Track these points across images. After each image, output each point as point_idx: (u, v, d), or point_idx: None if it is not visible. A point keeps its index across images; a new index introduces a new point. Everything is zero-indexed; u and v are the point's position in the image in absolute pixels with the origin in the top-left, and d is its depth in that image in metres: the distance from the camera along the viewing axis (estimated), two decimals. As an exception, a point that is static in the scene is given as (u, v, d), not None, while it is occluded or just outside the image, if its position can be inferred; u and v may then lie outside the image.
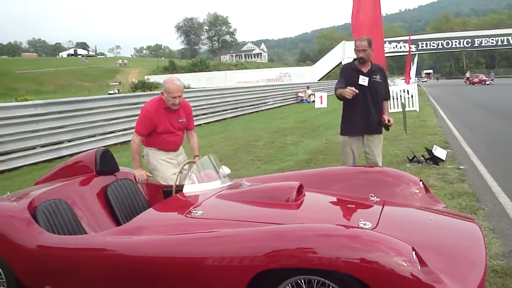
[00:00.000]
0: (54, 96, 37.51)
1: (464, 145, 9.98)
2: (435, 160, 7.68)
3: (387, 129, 5.20)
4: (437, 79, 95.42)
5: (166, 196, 4.26)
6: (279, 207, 2.96)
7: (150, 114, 4.49)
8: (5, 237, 3.20)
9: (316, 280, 2.30)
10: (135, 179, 4.34)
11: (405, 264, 2.14)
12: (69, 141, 11.29)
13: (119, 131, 12.94)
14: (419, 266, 2.15)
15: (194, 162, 3.78)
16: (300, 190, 3.10)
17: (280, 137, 12.71)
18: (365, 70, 5.04)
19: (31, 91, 54.98)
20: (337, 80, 5.30)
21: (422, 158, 7.82)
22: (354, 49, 5.07)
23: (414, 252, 2.20)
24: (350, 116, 5.13)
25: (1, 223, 3.28)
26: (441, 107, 21.64)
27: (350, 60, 5.36)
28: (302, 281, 2.33)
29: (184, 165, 3.93)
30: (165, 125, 4.54)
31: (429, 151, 7.81)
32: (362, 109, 5.03)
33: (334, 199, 3.27)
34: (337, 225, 2.49)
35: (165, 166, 4.60)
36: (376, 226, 2.63)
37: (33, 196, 3.59)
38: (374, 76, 5.05)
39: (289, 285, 2.36)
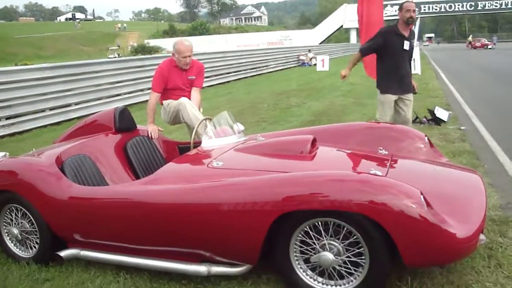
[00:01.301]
0: (54, 61, 37.33)
1: (465, 107, 10.16)
2: (437, 121, 7.87)
3: (415, 93, 5.65)
4: (438, 43, 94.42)
5: (181, 152, 4.49)
6: (294, 159, 3.17)
7: (163, 71, 4.88)
8: (36, 189, 3.39)
9: (332, 222, 2.53)
10: (148, 135, 4.55)
11: (414, 206, 2.35)
12: (76, 104, 11.45)
13: (124, 93, 13.08)
14: (426, 208, 2.37)
15: (210, 119, 3.97)
16: (313, 143, 3.31)
17: (284, 99, 12.85)
18: (407, 34, 5.27)
19: (31, 56, 54.69)
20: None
21: (425, 119, 8.02)
22: (401, 9, 5.23)
23: (422, 196, 2.42)
24: (391, 77, 5.39)
25: (32, 177, 3.46)
26: (443, 71, 21.67)
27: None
28: (319, 223, 2.56)
29: (201, 121, 4.11)
30: (175, 82, 4.89)
31: (431, 112, 8.00)
32: (402, 71, 5.36)
33: (346, 151, 3.47)
34: (349, 172, 2.71)
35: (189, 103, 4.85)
36: (386, 175, 2.85)
37: (59, 152, 3.79)
38: (412, 40, 5.36)
39: (307, 227, 2.59)
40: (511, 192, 4.40)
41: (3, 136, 9.27)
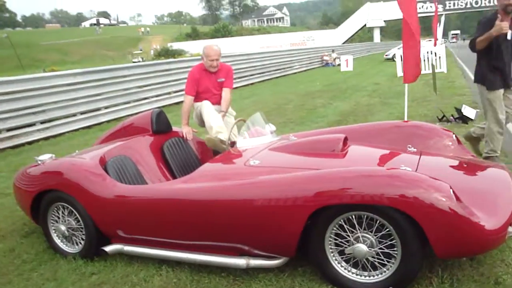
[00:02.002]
0: (80, 66, 38.20)
1: (493, 104, 10.07)
2: (464, 119, 7.88)
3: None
4: (464, 39, 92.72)
5: (215, 152, 4.68)
6: (327, 157, 3.32)
7: (193, 75, 5.13)
8: (83, 188, 3.61)
9: (365, 216, 2.67)
10: (183, 136, 4.76)
11: (444, 199, 2.47)
12: (105, 107, 11.79)
13: (152, 97, 13.40)
14: (455, 201, 2.49)
15: (244, 120, 4.14)
16: (345, 141, 3.45)
17: (309, 100, 12.96)
18: (508, 23, 4.85)
19: (57, 61, 55.92)
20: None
21: (452, 117, 8.03)
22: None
23: (451, 190, 2.53)
24: (496, 70, 4.98)
25: (78, 176, 3.68)
26: (469, 69, 21.41)
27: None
28: (353, 217, 2.70)
29: (235, 123, 4.29)
30: (205, 84, 5.11)
31: (459, 111, 8.01)
32: (506, 63, 4.94)
33: (376, 149, 3.60)
34: (379, 167, 2.84)
35: (209, 106, 4.97)
36: (415, 170, 2.97)
37: (101, 153, 4.02)
38: None
39: (341, 220, 2.74)
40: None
41: (38, 140, 9.64)
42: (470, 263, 3.01)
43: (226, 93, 5.23)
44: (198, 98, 5.18)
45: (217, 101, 5.17)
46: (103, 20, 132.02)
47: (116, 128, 4.86)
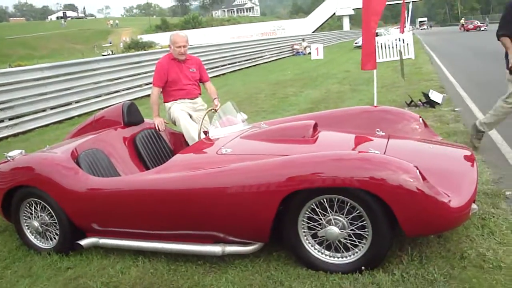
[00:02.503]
0: (48, 61, 37.37)
1: (459, 89, 10.36)
2: (432, 103, 8.08)
3: None
4: (430, 26, 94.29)
5: (187, 143, 4.70)
6: (298, 143, 3.38)
7: (162, 65, 5.02)
8: (56, 183, 3.57)
9: (336, 199, 2.75)
10: (155, 127, 4.74)
11: (411, 180, 2.56)
12: (76, 102, 11.63)
13: (123, 90, 13.25)
14: (422, 182, 2.58)
15: (215, 110, 4.17)
16: (315, 127, 3.52)
17: (281, 88, 13.04)
18: None
19: (24, 56, 54.58)
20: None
21: (419, 102, 8.22)
22: None
23: (418, 171, 2.63)
24: None
25: (51, 171, 3.64)
26: (436, 55, 21.87)
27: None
28: (324, 200, 2.78)
29: (207, 112, 4.31)
30: (176, 73, 5.00)
31: (426, 95, 8.20)
32: None
33: (345, 134, 3.68)
34: (349, 151, 2.92)
35: (184, 116, 4.96)
36: (384, 153, 3.06)
37: (73, 147, 3.99)
38: None
39: (313, 204, 2.81)
40: (503, 168, 4.63)
41: (7, 137, 9.46)
42: (437, 240, 3.12)
43: (210, 87, 5.29)
44: (168, 93, 5.09)
45: (192, 90, 5.12)
46: (70, 13, 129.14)
47: (87, 122, 4.81)
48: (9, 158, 3.97)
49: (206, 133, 4.02)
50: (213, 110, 4.25)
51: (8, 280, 3.42)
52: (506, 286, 2.58)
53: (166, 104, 5.13)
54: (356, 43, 35.03)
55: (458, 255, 2.92)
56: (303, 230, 2.90)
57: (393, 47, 18.69)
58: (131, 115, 4.59)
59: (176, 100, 5.04)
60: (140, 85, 13.99)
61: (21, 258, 3.77)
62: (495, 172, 4.47)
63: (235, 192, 2.89)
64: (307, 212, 2.84)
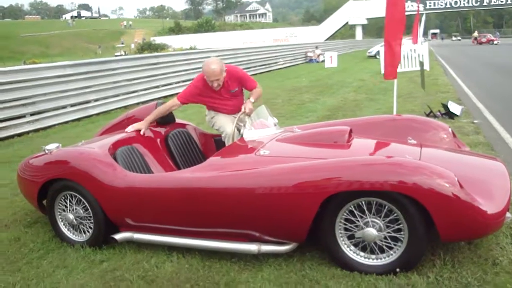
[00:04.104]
0: (61, 59, 37.70)
1: (476, 101, 10.43)
2: (451, 115, 8.14)
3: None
4: (442, 38, 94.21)
5: (217, 144, 4.79)
6: (334, 147, 3.48)
7: (196, 89, 4.57)
8: (94, 178, 3.67)
9: (374, 202, 2.84)
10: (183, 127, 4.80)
11: (447, 185, 2.65)
12: (95, 100, 11.76)
13: (140, 90, 13.39)
14: (459, 188, 2.66)
15: (248, 114, 4.26)
16: (350, 133, 3.61)
17: (297, 95, 13.14)
18: None
19: (38, 54, 55.08)
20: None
21: (439, 112, 8.28)
22: None
23: (455, 177, 2.71)
24: None
25: (89, 165, 3.74)
26: (450, 67, 21.89)
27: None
28: (362, 203, 2.87)
29: (240, 115, 4.40)
30: (212, 100, 4.61)
31: (445, 106, 8.27)
32: None
33: (379, 141, 3.76)
34: (385, 157, 3.01)
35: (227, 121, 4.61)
36: (419, 160, 3.15)
37: (109, 143, 4.10)
38: None
39: (351, 206, 2.90)
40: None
41: (28, 132, 9.59)
42: (468, 246, 3.20)
43: (256, 90, 4.73)
44: (212, 105, 4.70)
45: (236, 106, 4.63)
46: (84, 13, 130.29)
47: (119, 119, 4.92)
48: (46, 151, 4.07)
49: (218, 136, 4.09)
50: (245, 114, 4.32)
51: (45, 270, 3.50)
52: (539, 292, 2.65)
53: (208, 112, 4.79)
54: (369, 52, 35.08)
55: (490, 261, 3.00)
56: (339, 231, 2.98)
57: (408, 58, 18.72)
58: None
59: (218, 112, 4.70)
60: (157, 86, 14.14)
61: (55, 250, 3.86)
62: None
63: (276, 192, 2.97)
64: (345, 214, 2.93)
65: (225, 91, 4.57)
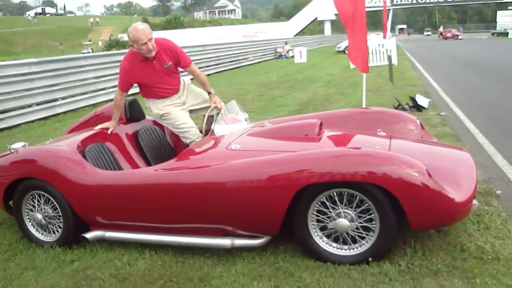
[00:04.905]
0: (26, 57, 36.73)
1: (443, 94, 10.70)
2: (418, 107, 8.32)
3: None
4: (409, 33, 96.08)
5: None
6: (305, 140, 3.49)
7: (126, 72, 4.31)
8: (63, 176, 3.59)
9: (345, 192, 2.87)
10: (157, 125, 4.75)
11: (416, 174, 2.71)
12: (62, 98, 11.47)
13: (109, 87, 13.14)
14: (428, 176, 2.72)
15: (219, 109, 4.24)
16: (320, 126, 3.64)
17: (267, 90, 13.16)
18: None
19: (1, 51, 53.47)
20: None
21: (407, 105, 8.45)
22: None
23: (424, 166, 2.77)
24: None
25: (57, 164, 3.65)
26: (417, 61, 22.34)
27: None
28: (334, 194, 2.90)
29: (210, 110, 4.37)
30: (148, 77, 4.29)
31: (413, 99, 8.45)
32: None
33: (349, 134, 3.81)
34: (357, 148, 3.06)
35: (172, 109, 4.43)
36: (389, 150, 3.20)
37: (78, 141, 4.01)
38: None
39: (323, 197, 2.92)
40: (491, 168, 4.87)
41: (-8, 132, 9.32)
42: (437, 234, 3.28)
43: (197, 71, 4.52)
44: (148, 89, 4.42)
45: (174, 86, 4.46)
46: (49, 10, 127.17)
47: (88, 117, 4.83)
48: (12, 151, 3.96)
49: (207, 131, 4.10)
50: (216, 108, 4.29)
51: (12, 272, 3.41)
52: (506, 275, 2.74)
53: (145, 100, 4.55)
54: (338, 47, 35.44)
55: (459, 247, 3.08)
56: (312, 223, 3.00)
57: (376, 53, 19.00)
58: (133, 111, 4.63)
59: (156, 99, 4.45)
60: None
61: (23, 251, 3.76)
62: (485, 173, 4.68)
63: (249, 186, 2.98)
64: (317, 205, 2.95)
65: (158, 64, 4.25)
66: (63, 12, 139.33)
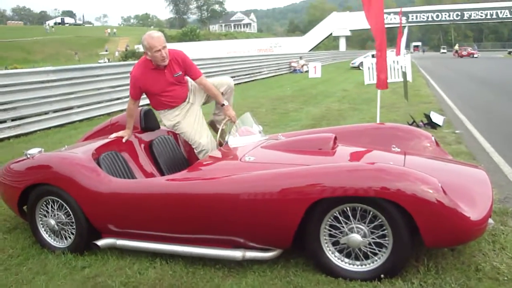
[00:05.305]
0: (44, 65, 37.26)
1: (457, 112, 10.61)
2: (433, 125, 8.26)
3: None
4: (423, 51, 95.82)
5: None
6: (319, 154, 3.49)
7: (137, 80, 4.35)
8: (77, 183, 3.62)
9: (359, 207, 2.85)
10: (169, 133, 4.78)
11: (431, 191, 2.68)
12: (78, 107, 11.63)
13: (124, 97, 13.27)
14: (443, 193, 2.69)
15: (234, 122, 4.26)
16: (334, 140, 3.63)
17: (281, 104, 13.18)
18: None
19: (20, 60, 54.30)
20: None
21: (421, 122, 8.39)
22: None
23: (439, 183, 2.74)
24: None
25: (72, 170, 3.68)
26: (432, 78, 22.23)
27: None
28: (347, 209, 2.88)
29: (225, 122, 4.39)
30: (158, 86, 4.35)
31: (428, 117, 8.39)
32: None
33: (363, 148, 3.79)
34: (371, 163, 3.04)
35: (183, 119, 4.50)
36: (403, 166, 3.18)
37: (93, 148, 4.05)
38: None
39: (336, 212, 2.90)
40: (507, 188, 4.80)
41: (9, 137, 9.43)
42: (451, 253, 3.24)
43: (207, 84, 4.50)
44: (157, 99, 4.48)
45: (182, 95, 4.49)
46: (68, 20, 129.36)
47: (103, 125, 4.88)
48: (28, 156, 4.01)
49: (220, 143, 4.12)
50: (230, 121, 4.31)
51: (24, 277, 3.43)
52: (522, 297, 2.69)
53: (158, 113, 4.63)
54: (352, 63, 35.44)
55: (473, 267, 3.03)
56: (324, 237, 2.98)
57: (391, 70, 18.92)
58: (148, 120, 4.66)
59: (165, 110, 4.53)
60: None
61: (35, 256, 3.78)
62: (501, 192, 4.62)
63: (261, 198, 2.97)
64: (329, 220, 2.94)
65: (169, 73, 4.32)
66: (81, 22, 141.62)
